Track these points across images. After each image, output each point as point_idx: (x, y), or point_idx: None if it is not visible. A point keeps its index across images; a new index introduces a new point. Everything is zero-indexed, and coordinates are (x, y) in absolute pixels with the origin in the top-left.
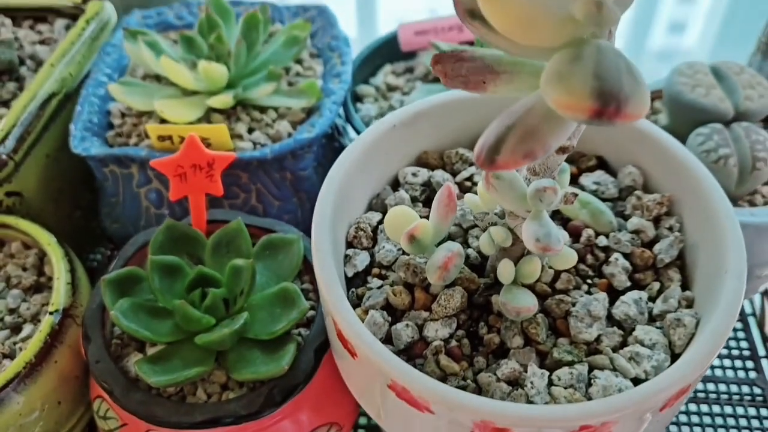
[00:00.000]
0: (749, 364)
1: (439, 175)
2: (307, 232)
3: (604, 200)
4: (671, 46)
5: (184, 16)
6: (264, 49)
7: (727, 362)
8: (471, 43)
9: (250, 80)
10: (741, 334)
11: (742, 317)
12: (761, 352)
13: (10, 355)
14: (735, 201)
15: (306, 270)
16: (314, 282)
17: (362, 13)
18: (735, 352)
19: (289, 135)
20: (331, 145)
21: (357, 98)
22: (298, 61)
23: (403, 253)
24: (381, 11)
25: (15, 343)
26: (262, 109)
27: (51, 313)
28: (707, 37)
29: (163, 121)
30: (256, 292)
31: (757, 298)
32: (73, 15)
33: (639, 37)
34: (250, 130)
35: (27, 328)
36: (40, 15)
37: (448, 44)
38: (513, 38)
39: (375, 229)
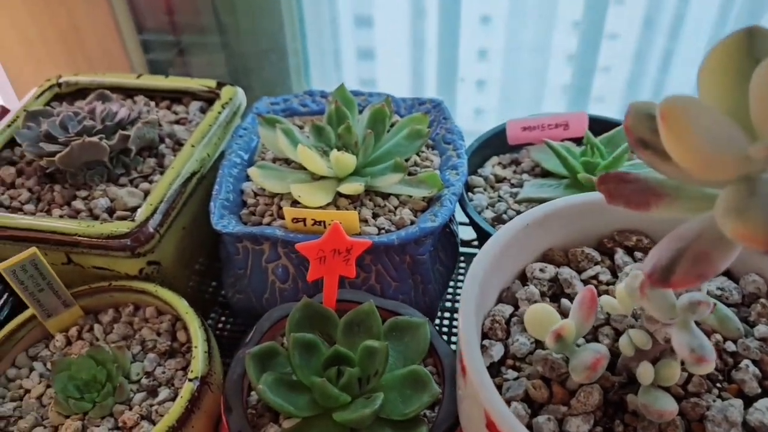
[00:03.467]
0: None
1: (566, 272)
2: (421, 313)
3: (728, 306)
4: None
5: (308, 104)
6: (387, 140)
7: None
8: (575, 140)
9: (375, 169)
10: None
11: None
12: None
13: (147, 417)
14: None
15: (428, 353)
16: (437, 365)
17: None
18: None
19: (412, 222)
20: (444, 231)
21: (468, 188)
22: (416, 152)
23: (537, 347)
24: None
25: (151, 406)
26: (384, 196)
27: (191, 380)
28: None
29: (294, 202)
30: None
31: None
32: (206, 98)
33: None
34: (375, 216)
35: (163, 392)
36: (176, 97)
37: (560, 143)
38: (689, 172)
39: (508, 321)
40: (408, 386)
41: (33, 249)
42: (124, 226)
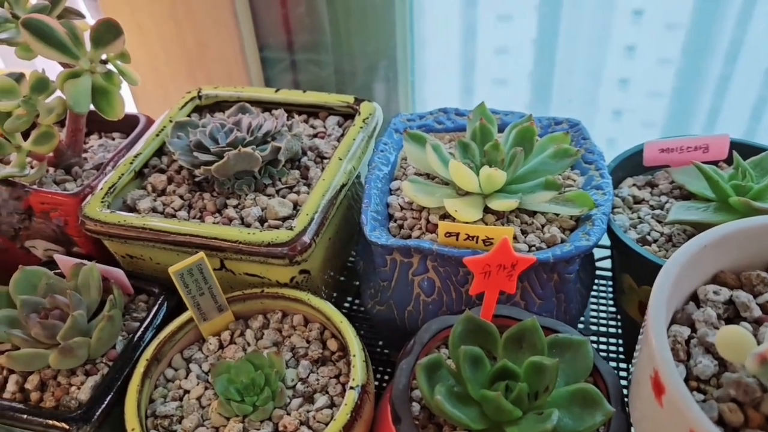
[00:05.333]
0: None
1: (743, 295)
2: None
3: None
4: None
5: (443, 121)
6: (532, 158)
7: None
8: (714, 163)
9: (523, 186)
10: None
11: None
12: None
13: (306, 423)
14: None
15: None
16: (597, 385)
17: None
18: None
19: (562, 240)
20: None
21: None
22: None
23: (721, 370)
24: None
25: (308, 412)
26: (531, 213)
27: (352, 388)
28: None
29: (442, 216)
30: None
31: None
32: (344, 113)
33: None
34: (523, 233)
35: (320, 399)
36: (313, 111)
37: (711, 167)
38: None
39: (687, 342)
40: (576, 404)
41: (201, 254)
42: (284, 235)
